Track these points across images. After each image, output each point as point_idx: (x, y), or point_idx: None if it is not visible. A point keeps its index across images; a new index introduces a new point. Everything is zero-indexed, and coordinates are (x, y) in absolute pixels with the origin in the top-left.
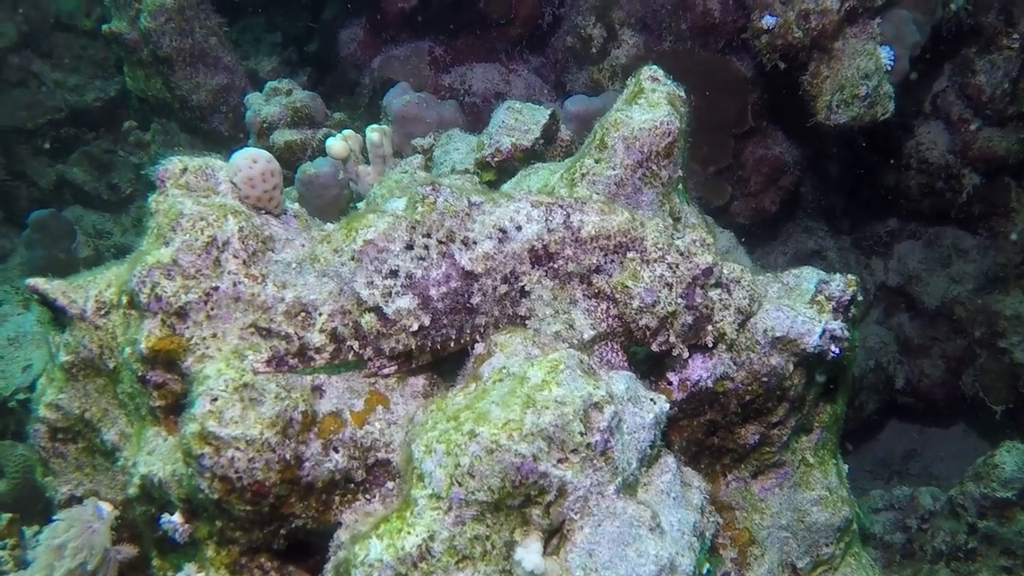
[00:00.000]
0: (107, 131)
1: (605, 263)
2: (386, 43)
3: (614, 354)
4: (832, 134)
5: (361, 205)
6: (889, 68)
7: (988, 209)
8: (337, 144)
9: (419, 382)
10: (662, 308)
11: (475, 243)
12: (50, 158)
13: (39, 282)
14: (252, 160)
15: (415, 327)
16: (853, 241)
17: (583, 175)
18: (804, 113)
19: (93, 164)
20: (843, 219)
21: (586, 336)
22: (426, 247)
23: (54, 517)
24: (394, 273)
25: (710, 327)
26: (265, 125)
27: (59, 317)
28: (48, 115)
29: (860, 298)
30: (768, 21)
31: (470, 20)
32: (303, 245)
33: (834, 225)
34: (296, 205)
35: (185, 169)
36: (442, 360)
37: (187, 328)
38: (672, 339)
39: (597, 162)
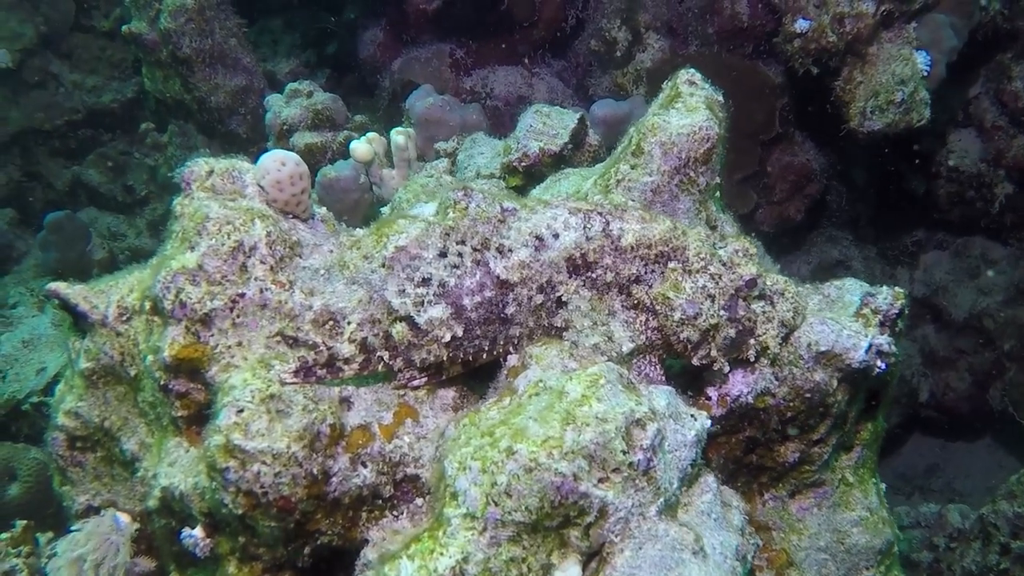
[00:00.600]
0: (124, 133)
1: (645, 273)
2: (407, 45)
3: (652, 368)
4: (864, 142)
5: (385, 210)
6: (926, 73)
7: (1020, 219)
8: (361, 147)
9: (449, 395)
10: (704, 321)
11: (510, 251)
12: (66, 159)
13: (60, 287)
14: (280, 163)
15: (447, 338)
16: (878, 251)
17: (618, 181)
18: (833, 120)
19: (109, 166)
20: (868, 228)
21: (625, 349)
22: (460, 254)
23: (72, 528)
24: (427, 281)
25: (752, 341)
26: (285, 127)
27: (80, 323)
28: (65, 116)
29: (907, 311)
30: (801, 25)
31: (493, 22)
32: (331, 251)
33: (859, 234)
34: (324, 209)
35: (211, 171)
36: (473, 372)
37: (212, 336)
38: (713, 353)
39: (633, 168)
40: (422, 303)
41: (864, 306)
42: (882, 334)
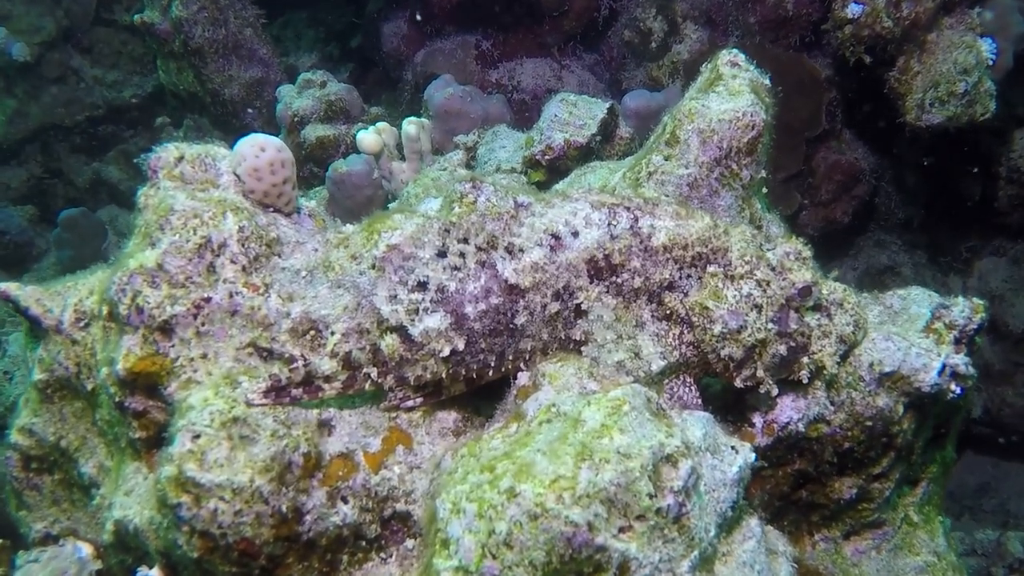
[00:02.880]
0: (145, 129)
1: (680, 278)
2: (431, 37)
3: (687, 389)
4: (922, 136)
5: (394, 206)
6: (991, 63)
7: None
8: (368, 137)
9: (449, 417)
10: (750, 335)
11: (522, 251)
12: (88, 155)
13: (11, 287)
14: (259, 148)
15: (446, 351)
16: (929, 257)
17: (650, 174)
18: (886, 115)
19: (129, 163)
20: (919, 233)
21: (655, 367)
22: (462, 254)
23: (30, 558)
24: (423, 285)
25: (806, 359)
26: (296, 119)
27: (34, 329)
28: (86, 112)
29: (985, 327)
30: (854, 10)
31: (521, 12)
32: (316, 249)
33: (909, 239)
34: (312, 203)
35: (181, 158)
36: (479, 391)
37: (172, 347)
38: (760, 373)
39: (667, 159)
40: (417, 311)
41: (936, 319)
42: (958, 353)
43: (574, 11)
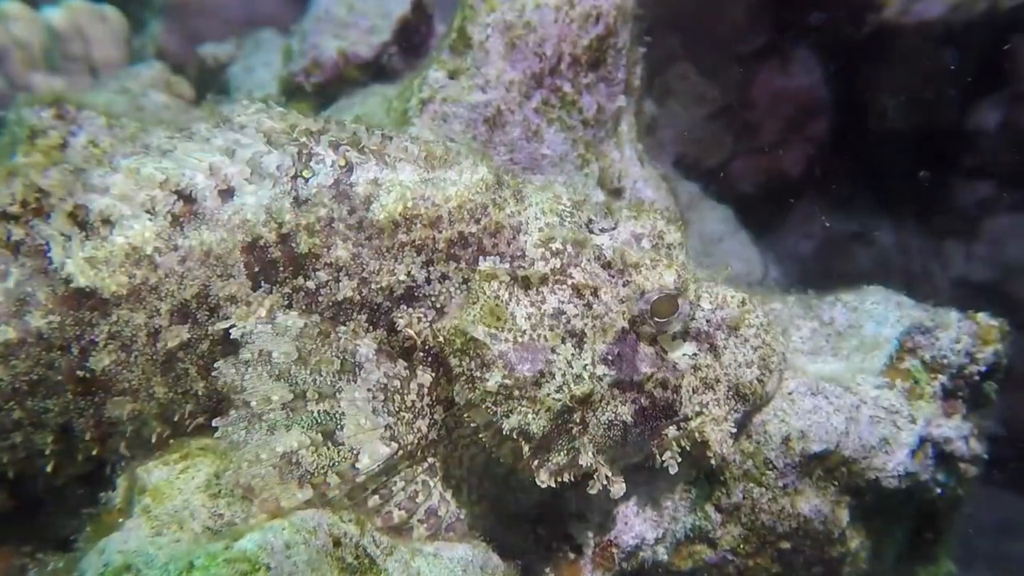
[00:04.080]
0: None
1: (425, 282)
2: None
3: (436, 494)
4: (911, 43)
5: None
6: None
7: None
8: None
9: None
10: (558, 390)
11: (109, 223)
12: None
13: None
14: None
15: None
16: (918, 217)
17: (424, 101)
18: (852, 16)
19: None
20: (902, 184)
21: (367, 461)
22: None
23: None
24: None
25: (672, 430)
26: None
27: None
28: None
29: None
30: None
31: None
32: None
33: (888, 195)
34: None
35: None
36: None
37: None
38: (585, 458)
39: (452, 75)
40: None
41: (907, 352)
42: (948, 415)
43: None
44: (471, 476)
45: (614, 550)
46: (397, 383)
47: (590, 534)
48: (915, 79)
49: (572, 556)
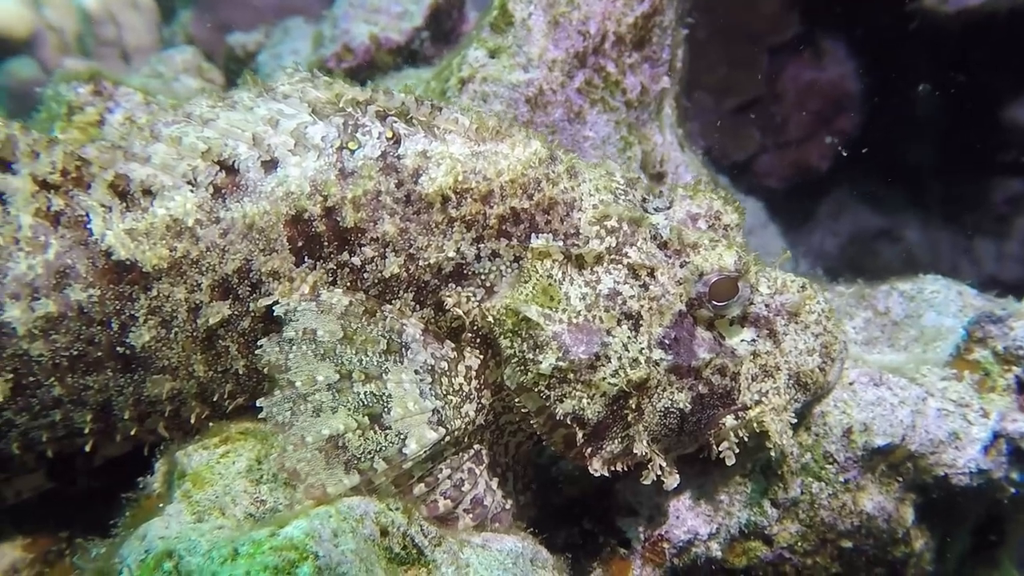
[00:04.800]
0: None
1: (475, 259)
2: None
3: (484, 482)
4: (948, 32)
5: None
6: None
7: None
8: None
9: None
10: (615, 374)
11: (150, 194)
12: None
13: None
14: None
15: None
16: (946, 214)
17: (464, 81)
18: (888, 5)
19: None
20: (931, 180)
21: (415, 447)
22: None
23: None
24: None
25: (729, 419)
26: None
27: None
28: None
29: None
30: None
31: None
32: None
33: (917, 190)
34: None
35: None
36: None
37: None
38: (640, 447)
39: (493, 55)
40: None
41: (976, 342)
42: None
43: None
44: (517, 465)
45: (665, 545)
46: (444, 365)
47: (640, 528)
48: (952, 71)
49: (621, 551)
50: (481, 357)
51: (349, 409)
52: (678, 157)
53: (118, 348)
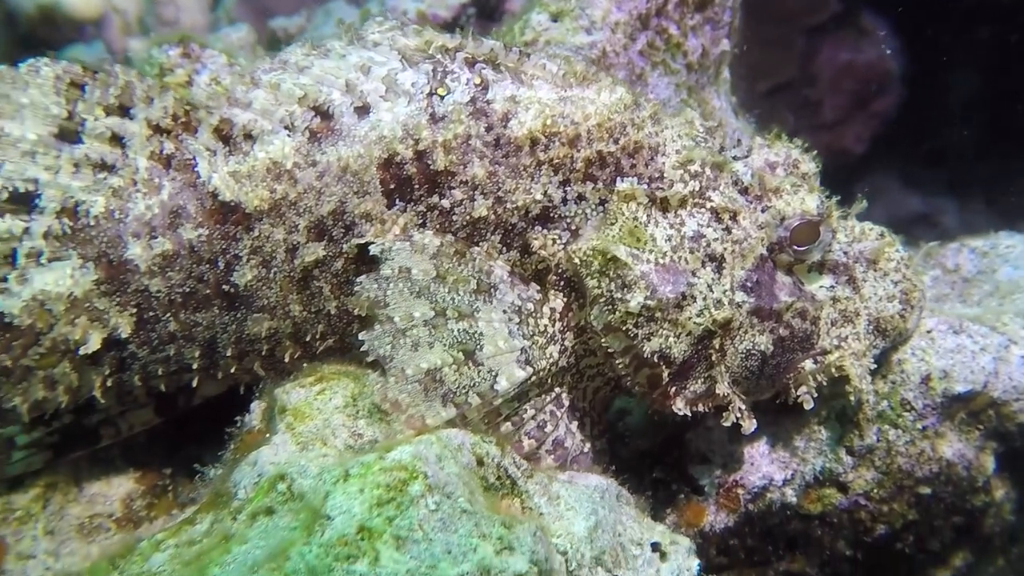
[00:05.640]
0: None
1: (561, 201)
2: None
3: (566, 425)
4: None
5: None
6: None
7: None
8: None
9: None
10: (700, 314)
11: (250, 138)
12: None
13: None
14: None
15: None
16: (988, 200)
17: (527, 44)
18: None
19: None
20: (972, 165)
21: (506, 383)
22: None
23: None
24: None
25: (808, 363)
26: None
27: None
28: None
29: None
30: None
31: None
32: None
33: (957, 174)
34: None
35: None
36: None
37: None
38: (721, 388)
39: (556, 18)
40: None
41: None
42: None
43: None
44: (592, 411)
45: (740, 491)
46: (530, 307)
47: (715, 474)
48: (996, 50)
49: (696, 498)
50: (565, 300)
51: (445, 345)
52: (734, 123)
53: (223, 286)
